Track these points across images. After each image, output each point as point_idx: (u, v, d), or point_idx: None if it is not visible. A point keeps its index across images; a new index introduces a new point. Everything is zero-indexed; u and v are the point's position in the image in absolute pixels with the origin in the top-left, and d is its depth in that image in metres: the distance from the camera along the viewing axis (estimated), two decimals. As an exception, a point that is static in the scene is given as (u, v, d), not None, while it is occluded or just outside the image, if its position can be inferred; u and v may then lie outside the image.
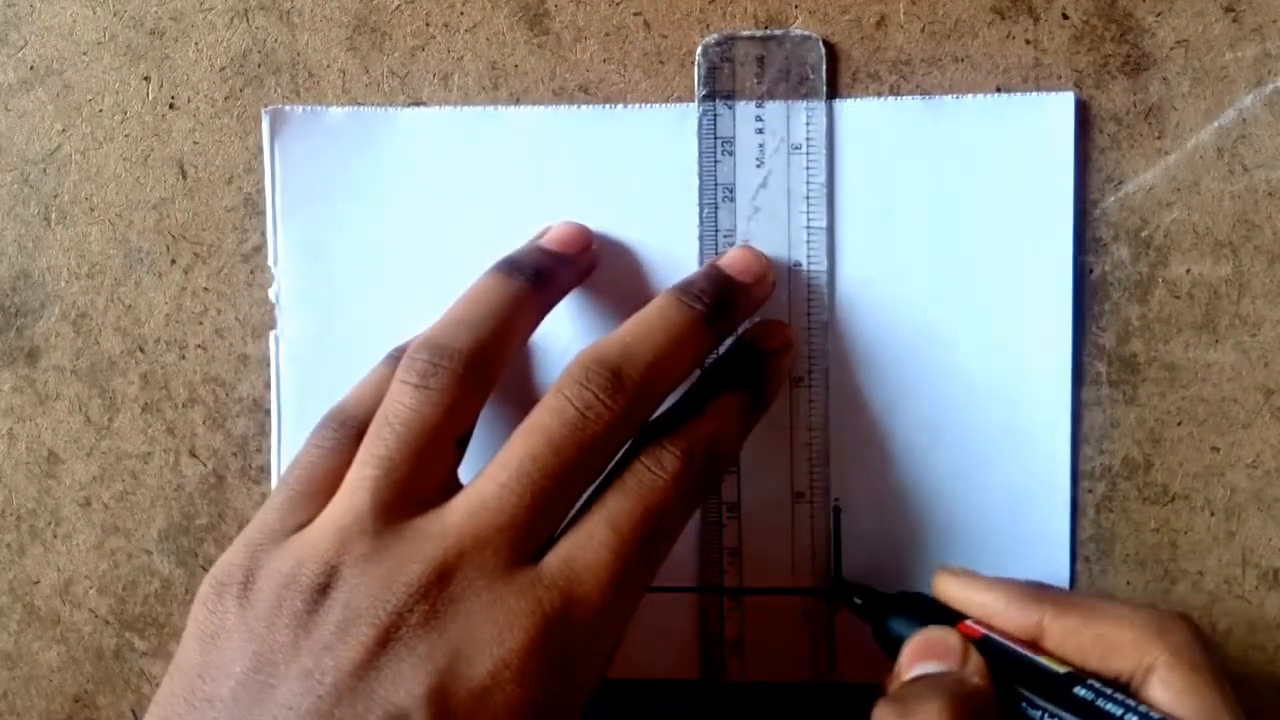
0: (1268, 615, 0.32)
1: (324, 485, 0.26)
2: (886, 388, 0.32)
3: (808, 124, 0.31)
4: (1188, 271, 0.31)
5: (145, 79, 0.33)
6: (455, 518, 0.25)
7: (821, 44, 0.31)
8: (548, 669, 0.24)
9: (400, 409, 0.26)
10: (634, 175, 0.32)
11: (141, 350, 0.33)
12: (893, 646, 0.27)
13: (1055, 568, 0.31)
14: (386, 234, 0.32)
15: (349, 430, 0.27)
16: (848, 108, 0.31)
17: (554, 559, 0.25)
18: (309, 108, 0.32)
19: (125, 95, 0.33)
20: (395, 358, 0.29)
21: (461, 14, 0.32)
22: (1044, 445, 0.31)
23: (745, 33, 0.31)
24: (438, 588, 0.24)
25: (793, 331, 0.31)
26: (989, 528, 0.32)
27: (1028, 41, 0.31)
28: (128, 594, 0.34)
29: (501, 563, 0.24)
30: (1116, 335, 0.32)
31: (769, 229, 0.32)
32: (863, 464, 0.32)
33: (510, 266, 0.29)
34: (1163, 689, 0.25)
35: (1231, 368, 0.31)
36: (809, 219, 0.31)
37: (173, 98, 0.33)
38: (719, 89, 0.31)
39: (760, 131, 0.31)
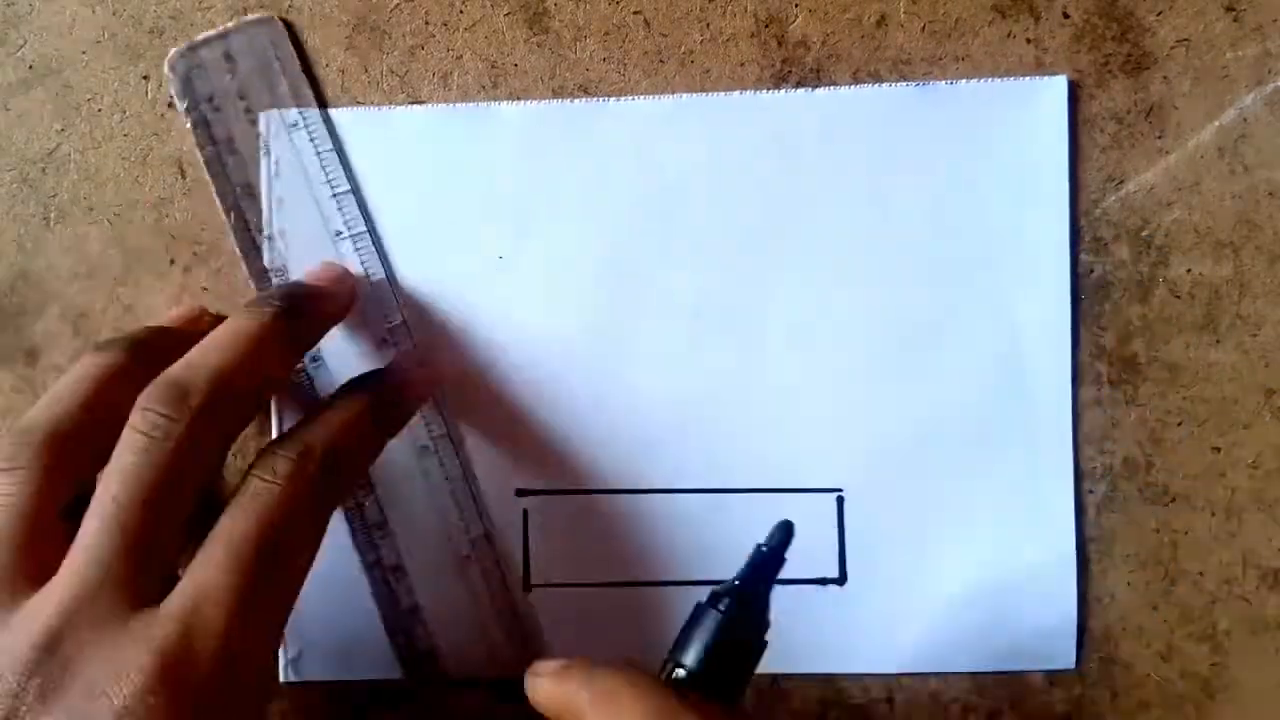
0: (1268, 615, 0.32)
1: None
2: (885, 385, 0.32)
3: (296, 101, 0.32)
4: (1189, 271, 0.31)
5: (144, 78, 0.33)
6: (58, 584, 0.24)
7: (279, 22, 0.32)
8: (175, 706, 0.23)
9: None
10: (625, 170, 0.32)
11: (141, 350, 0.33)
12: None
13: (1060, 568, 0.31)
14: (381, 235, 0.32)
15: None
16: (840, 96, 0.31)
17: (175, 593, 0.24)
18: (304, 110, 0.32)
19: (124, 94, 0.33)
20: (96, 347, 0.28)
21: (461, 13, 0.32)
22: (1046, 445, 0.31)
23: (203, 35, 0.32)
24: (48, 657, 0.23)
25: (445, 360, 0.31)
26: (992, 528, 0.32)
27: (1029, 40, 0.31)
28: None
29: (117, 612, 0.24)
30: (1117, 335, 0.31)
31: (301, 216, 0.32)
32: (863, 461, 0.32)
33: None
34: None
35: (1232, 368, 0.31)
36: (340, 206, 0.32)
37: (172, 96, 0.33)
38: (198, 95, 0.32)
39: (253, 123, 0.32)
